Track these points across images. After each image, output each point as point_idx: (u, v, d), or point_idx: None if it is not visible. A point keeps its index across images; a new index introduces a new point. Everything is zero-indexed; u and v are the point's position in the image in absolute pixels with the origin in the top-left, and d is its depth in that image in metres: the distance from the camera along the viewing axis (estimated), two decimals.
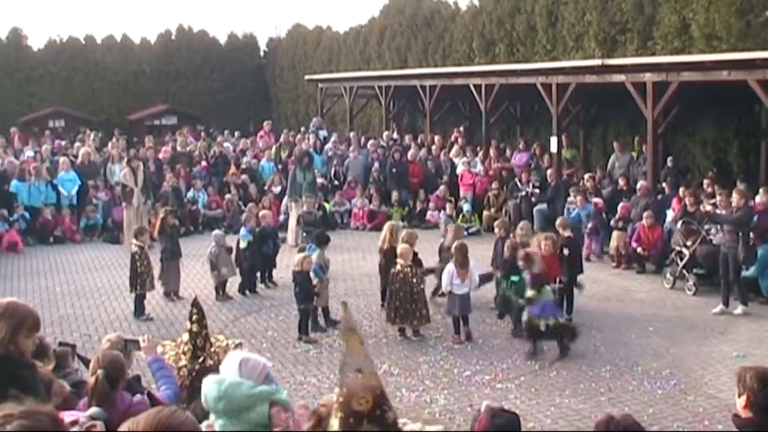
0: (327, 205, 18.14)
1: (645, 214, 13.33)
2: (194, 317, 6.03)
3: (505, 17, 20.69)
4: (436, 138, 20.57)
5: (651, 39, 16.44)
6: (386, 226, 11.68)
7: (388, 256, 10.96)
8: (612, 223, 14.20)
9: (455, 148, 19.60)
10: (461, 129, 21.15)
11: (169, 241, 12.21)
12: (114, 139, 23.87)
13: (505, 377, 8.78)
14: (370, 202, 18.52)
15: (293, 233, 15.65)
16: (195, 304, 6.11)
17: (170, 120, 29.55)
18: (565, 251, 10.72)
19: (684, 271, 12.23)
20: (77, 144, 22.72)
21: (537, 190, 16.84)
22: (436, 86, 20.40)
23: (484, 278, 10.80)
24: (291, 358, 9.53)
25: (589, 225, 14.47)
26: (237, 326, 10.83)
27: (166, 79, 32.99)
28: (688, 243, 12.18)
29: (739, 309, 10.97)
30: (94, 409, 3.99)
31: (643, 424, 7.06)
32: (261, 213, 13.54)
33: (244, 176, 19.43)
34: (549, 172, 16.96)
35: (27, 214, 16.90)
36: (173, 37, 33.95)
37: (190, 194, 18.35)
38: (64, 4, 66.72)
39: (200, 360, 5.90)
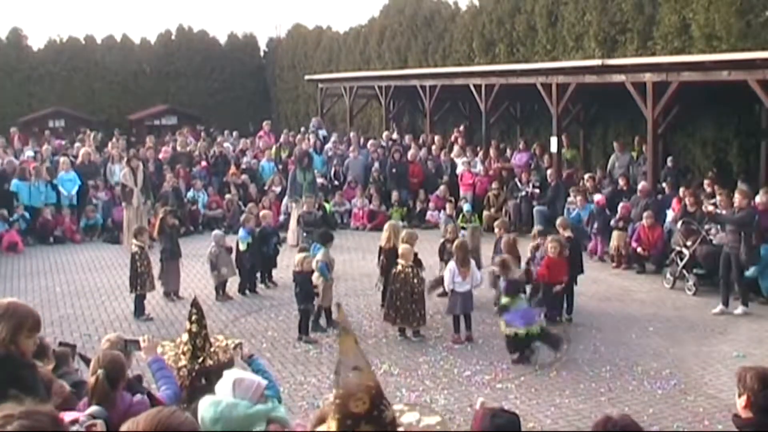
0: (327, 205, 18.15)
1: (645, 214, 13.33)
2: (194, 317, 6.02)
3: (505, 17, 20.69)
4: (436, 138, 20.57)
5: (651, 39, 16.44)
6: (387, 226, 11.68)
7: (390, 256, 10.98)
8: (612, 223, 14.20)
9: (456, 148, 19.59)
10: (461, 129, 21.15)
11: (169, 241, 12.21)
12: (114, 139, 23.89)
13: (505, 377, 8.78)
14: (370, 202, 18.52)
15: (294, 233, 15.65)
16: (194, 304, 6.10)
17: (170, 120, 29.56)
18: (565, 251, 10.74)
19: (684, 271, 12.23)
20: (77, 144, 22.73)
21: (537, 190, 16.84)
22: (436, 86, 20.40)
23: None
24: (291, 358, 9.54)
25: (596, 224, 14.49)
26: (237, 326, 10.83)
27: (166, 79, 33.00)
28: (688, 243, 12.18)
29: (740, 309, 10.97)
30: (94, 408, 3.99)
31: (643, 424, 7.08)
32: (261, 213, 13.54)
33: (244, 176, 19.43)
34: (549, 172, 16.96)
35: (27, 214, 16.91)
36: (173, 37, 33.97)
37: (190, 194, 18.35)
38: (64, 4, 66.80)
39: (200, 360, 5.90)
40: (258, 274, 12.88)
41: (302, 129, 23.93)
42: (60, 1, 65.05)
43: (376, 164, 19.31)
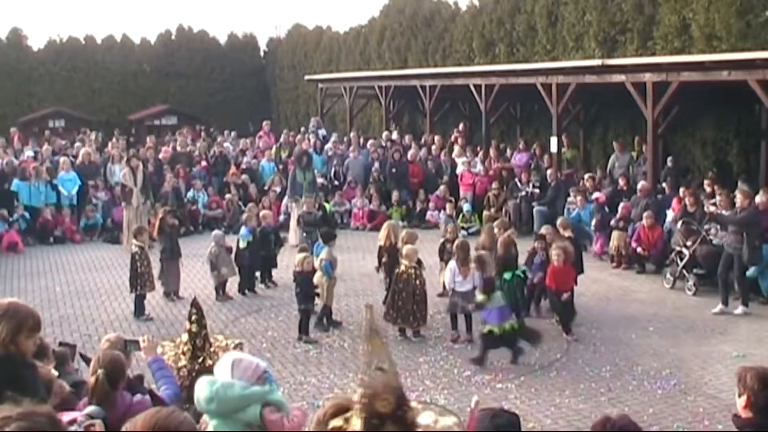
0: (327, 205, 18.14)
1: (645, 214, 13.32)
2: (193, 317, 6.04)
3: (505, 17, 20.69)
4: (436, 138, 20.57)
5: (651, 39, 16.44)
6: (385, 225, 11.72)
7: (390, 254, 10.99)
8: (612, 223, 14.20)
9: (457, 148, 19.58)
10: (460, 128, 21.13)
11: (169, 241, 12.21)
12: (114, 139, 23.89)
13: (505, 377, 8.77)
14: (370, 202, 18.52)
15: (294, 233, 15.65)
16: (194, 304, 6.12)
17: (170, 120, 29.56)
18: (571, 258, 10.70)
19: (684, 271, 12.23)
20: (77, 144, 22.74)
21: (537, 190, 16.84)
22: (436, 86, 20.40)
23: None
24: (291, 358, 9.53)
25: (593, 221, 14.50)
26: (237, 326, 10.83)
27: (166, 79, 32.99)
28: (688, 243, 12.17)
29: (740, 309, 10.97)
30: (92, 408, 3.98)
31: (643, 424, 7.09)
32: (261, 213, 13.54)
33: (244, 176, 19.43)
34: (549, 172, 16.96)
35: (27, 214, 16.90)
36: (173, 37, 33.97)
37: (190, 194, 18.35)
38: (64, 4, 66.80)
39: (200, 360, 5.92)
40: (258, 274, 12.88)
41: (302, 129, 23.94)
42: (60, 1, 65.12)
43: (376, 164, 19.31)
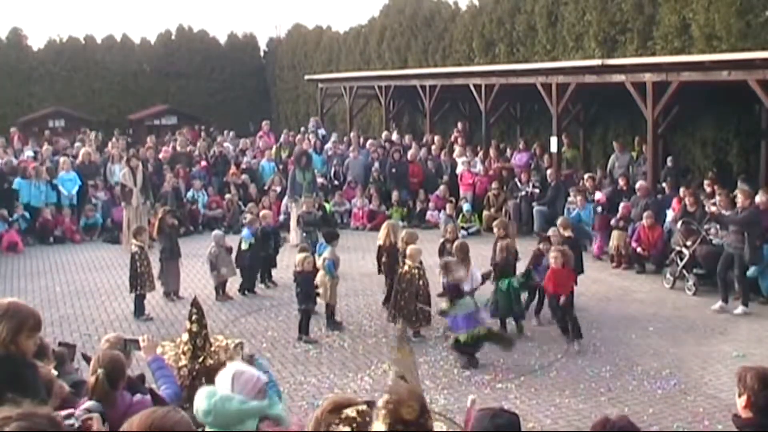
0: (327, 205, 18.15)
1: (645, 214, 13.32)
2: (194, 317, 6.03)
3: (505, 17, 20.69)
4: (436, 138, 20.57)
5: (651, 39, 16.44)
6: (384, 225, 11.73)
7: (390, 253, 10.98)
8: (612, 222, 14.20)
9: (457, 148, 19.58)
10: (460, 128, 21.12)
11: (168, 241, 12.20)
12: (114, 139, 23.90)
13: (505, 377, 8.77)
14: (370, 202, 18.53)
15: (294, 233, 15.65)
16: (194, 303, 6.11)
17: (170, 120, 29.55)
18: (570, 261, 10.69)
19: (684, 271, 12.23)
20: (77, 144, 22.74)
21: (537, 190, 16.84)
22: (436, 86, 20.40)
23: (485, 276, 10.79)
24: (291, 358, 9.53)
25: (594, 222, 14.51)
26: (237, 326, 10.83)
27: (166, 79, 32.98)
28: (688, 243, 12.17)
29: (740, 309, 10.97)
30: (90, 403, 3.98)
31: (643, 424, 7.10)
32: (261, 213, 13.55)
33: (244, 176, 19.43)
34: (549, 172, 16.96)
35: (27, 214, 16.91)
36: (173, 37, 33.97)
37: (189, 194, 18.35)
38: (64, 4, 66.78)
39: (200, 360, 5.91)
40: (258, 274, 12.88)
41: (302, 129, 23.94)
42: (60, 1, 65.11)
43: (376, 164, 19.31)
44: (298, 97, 32.15)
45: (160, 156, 19.66)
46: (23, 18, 71.25)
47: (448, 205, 17.11)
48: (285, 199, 17.18)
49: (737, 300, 11.13)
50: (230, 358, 5.25)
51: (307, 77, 28.31)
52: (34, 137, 24.94)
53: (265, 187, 19.00)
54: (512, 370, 8.98)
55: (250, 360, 5.31)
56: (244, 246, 12.45)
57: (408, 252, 10.25)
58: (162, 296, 12.06)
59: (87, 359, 5.60)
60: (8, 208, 16.61)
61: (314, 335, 10.29)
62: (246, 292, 12.48)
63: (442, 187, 18.13)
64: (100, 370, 4.29)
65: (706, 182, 14.32)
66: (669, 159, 16.24)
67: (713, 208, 11.85)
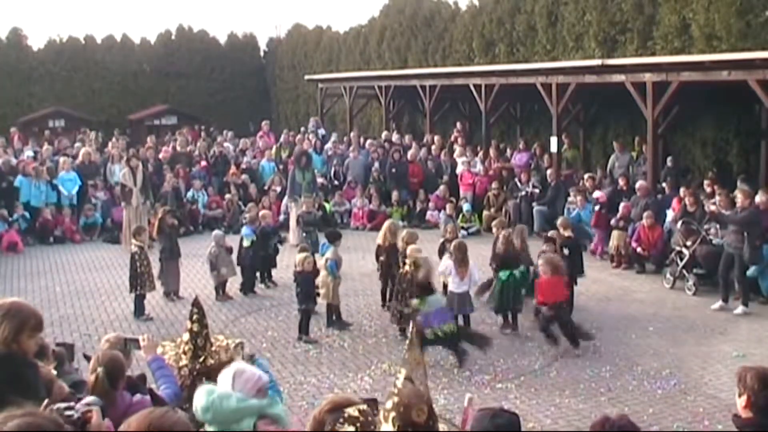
0: (327, 205, 18.15)
1: (645, 214, 13.32)
2: (195, 317, 6.03)
3: (505, 17, 20.69)
4: (436, 138, 20.57)
5: (651, 39, 16.44)
6: (385, 225, 11.73)
7: (389, 253, 10.97)
8: (612, 222, 14.21)
9: (458, 149, 19.58)
10: (459, 128, 21.11)
11: (168, 241, 12.21)
12: (114, 139, 23.89)
13: (505, 377, 8.78)
14: (370, 202, 18.53)
15: (293, 233, 15.66)
16: (195, 303, 6.11)
17: (170, 120, 29.54)
18: (565, 251, 10.71)
19: (684, 271, 12.23)
20: (77, 144, 22.74)
21: (537, 190, 16.84)
22: (436, 86, 20.40)
23: (485, 286, 10.83)
24: (291, 358, 9.54)
25: (593, 219, 14.52)
26: (237, 326, 10.83)
27: (166, 79, 32.97)
28: (688, 243, 12.18)
29: (740, 309, 10.97)
30: (91, 398, 3.99)
31: (643, 424, 7.10)
32: (261, 213, 13.56)
33: (244, 176, 19.43)
34: (549, 172, 16.97)
35: (27, 214, 16.91)
36: (173, 37, 33.94)
37: (189, 194, 18.35)
38: (64, 4, 66.78)
39: (201, 359, 5.90)
40: (257, 274, 12.88)
41: (302, 129, 23.95)
42: (60, 1, 65.11)
43: (376, 164, 19.31)
44: (298, 97, 32.15)
45: (160, 156, 19.66)
46: (23, 18, 71.32)
47: (448, 205, 17.11)
48: (285, 199, 17.19)
49: (737, 300, 11.13)
50: (231, 358, 5.25)
51: (307, 77, 28.31)
52: (34, 137, 24.95)
53: (265, 187, 19.00)
54: (512, 370, 8.99)
55: (250, 360, 5.32)
56: (245, 244, 12.46)
57: (408, 252, 10.25)
58: (162, 296, 12.07)
59: (88, 359, 5.60)
60: (8, 208, 16.62)
61: (314, 335, 10.29)
62: (246, 292, 12.47)
63: (442, 187, 18.13)
64: (99, 368, 4.30)
65: (706, 182, 14.32)
66: (669, 159, 16.24)
67: (713, 207, 11.85)
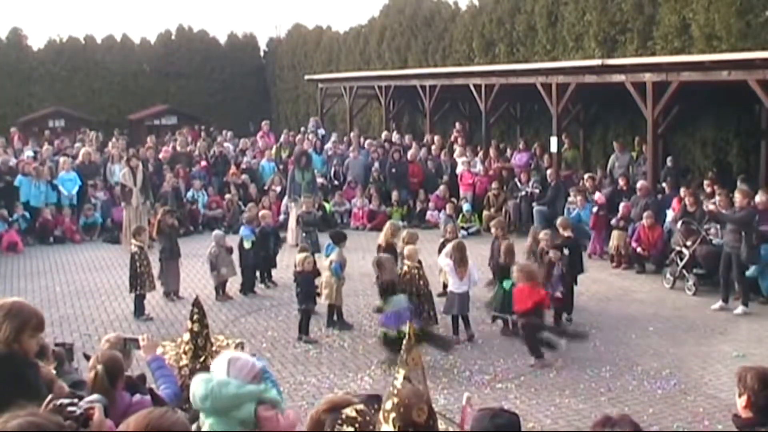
0: (327, 205, 18.15)
1: (645, 214, 13.32)
2: (195, 317, 6.03)
3: (505, 17, 20.69)
4: (436, 138, 20.57)
5: (651, 39, 16.45)
6: (387, 225, 11.74)
7: (389, 253, 10.98)
8: (612, 222, 14.21)
9: (458, 149, 19.58)
10: (459, 128, 21.10)
11: (168, 241, 12.21)
12: (114, 139, 23.89)
13: (505, 377, 8.77)
14: (370, 202, 18.53)
15: (293, 233, 15.66)
16: (196, 303, 6.11)
17: (170, 120, 29.54)
18: (566, 251, 10.70)
19: (684, 271, 12.23)
20: (77, 144, 22.74)
21: (537, 190, 16.84)
22: (436, 86, 20.39)
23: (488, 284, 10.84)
24: (291, 358, 9.54)
25: (591, 221, 14.52)
26: (237, 326, 10.83)
27: (166, 79, 32.97)
28: (688, 243, 12.18)
29: (740, 309, 10.98)
30: (94, 396, 3.99)
31: (643, 424, 7.08)
32: (261, 213, 13.55)
33: (244, 176, 19.43)
34: (549, 172, 16.96)
35: (27, 214, 16.91)
36: (173, 37, 33.95)
37: (189, 194, 18.35)
38: (64, 4, 66.78)
39: (201, 359, 5.91)
40: (257, 274, 12.89)
41: (302, 129, 23.95)
42: (60, 1, 65.11)
43: (376, 164, 19.31)
44: (298, 97, 32.15)
45: (160, 156, 19.66)
46: (23, 18, 71.32)
47: (448, 205, 17.10)
48: (285, 199, 17.19)
49: (737, 300, 11.13)
50: None
51: (307, 77, 28.30)
52: (34, 137, 24.95)
53: (265, 187, 19.00)
54: (512, 370, 8.99)
55: None
56: (246, 245, 12.45)
57: (406, 252, 10.25)
58: (162, 296, 12.07)
59: (88, 358, 5.60)
60: (8, 208, 16.62)
61: (314, 335, 10.29)
62: (246, 292, 12.47)
63: (442, 187, 18.13)
64: (99, 366, 4.30)
65: (706, 182, 14.32)
66: (669, 159, 16.24)
67: (711, 206, 11.85)
